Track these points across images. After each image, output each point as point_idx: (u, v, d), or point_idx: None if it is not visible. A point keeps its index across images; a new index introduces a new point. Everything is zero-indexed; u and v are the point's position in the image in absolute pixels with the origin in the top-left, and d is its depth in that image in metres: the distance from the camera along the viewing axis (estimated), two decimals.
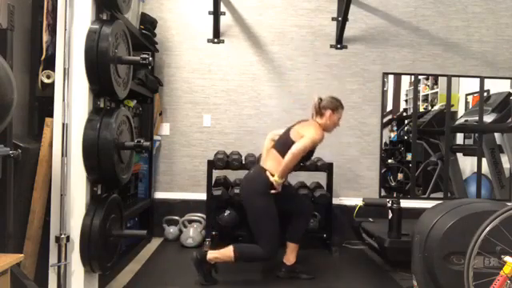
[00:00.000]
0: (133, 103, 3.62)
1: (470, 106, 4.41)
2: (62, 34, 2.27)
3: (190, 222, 4.12)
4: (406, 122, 4.40)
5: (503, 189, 4.39)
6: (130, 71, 2.69)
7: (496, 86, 4.38)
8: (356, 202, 3.81)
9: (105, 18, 2.49)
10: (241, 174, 3.68)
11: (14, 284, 1.95)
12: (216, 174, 4.01)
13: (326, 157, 4.01)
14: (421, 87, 4.39)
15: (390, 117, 4.39)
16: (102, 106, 2.49)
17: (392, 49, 4.37)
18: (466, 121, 4.39)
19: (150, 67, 3.78)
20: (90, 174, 2.32)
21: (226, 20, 4.32)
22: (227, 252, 2.91)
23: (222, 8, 4.30)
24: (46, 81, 2.41)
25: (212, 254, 2.91)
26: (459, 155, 4.41)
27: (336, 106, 3.07)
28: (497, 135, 4.41)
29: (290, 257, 3.13)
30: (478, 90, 4.36)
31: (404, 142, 4.42)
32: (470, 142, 4.42)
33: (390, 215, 3.25)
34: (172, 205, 4.23)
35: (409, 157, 4.37)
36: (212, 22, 4.18)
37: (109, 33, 2.28)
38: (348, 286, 3.08)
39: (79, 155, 2.29)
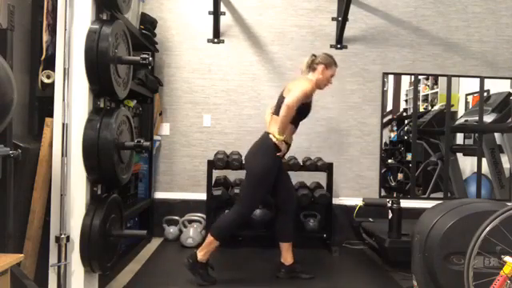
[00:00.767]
0: (133, 103, 3.62)
1: (470, 106, 4.41)
2: (62, 34, 2.27)
3: (190, 222, 4.12)
4: (405, 122, 4.40)
5: (503, 189, 4.39)
6: (130, 71, 2.69)
7: (496, 86, 4.38)
8: (356, 201, 3.81)
9: (105, 18, 2.49)
10: (241, 174, 3.68)
11: (13, 284, 1.95)
12: (216, 173, 4.01)
13: (326, 157, 4.02)
14: (421, 87, 4.39)
15: (389, 117, 4.39)
16: (102, 106, 2.49)
17: (392, 49, 4.37)
18: (465, 121, 4.39)
19: (149, 67, 3.78)
20: (89, 174, 2.33)
21: (225, 20, 4.32)
22: (208, 239, 2.93)
23: (222, 8, 4.30)
24: (46, 81, 2.41)
25: (200, 252, 2.93)
26: (459, 155, 4.41)
27: (330, 62, 3.04)
28: (497, 135, 4.41)
29: (287, 256, 3.12)
30: (477, 90, 4.36)
31: (404, 142, 4.41)
32: (470, 141, 4.41)
33: (390, 215, 3.25)
34: (172, 205, 4.23)
35: (409, 157, 4.36)
36: (212, 22, 4.17)
37: (109, 33, 2.28)
38: (348, 285, 3.08)
39: (79, 155, 2.29)
